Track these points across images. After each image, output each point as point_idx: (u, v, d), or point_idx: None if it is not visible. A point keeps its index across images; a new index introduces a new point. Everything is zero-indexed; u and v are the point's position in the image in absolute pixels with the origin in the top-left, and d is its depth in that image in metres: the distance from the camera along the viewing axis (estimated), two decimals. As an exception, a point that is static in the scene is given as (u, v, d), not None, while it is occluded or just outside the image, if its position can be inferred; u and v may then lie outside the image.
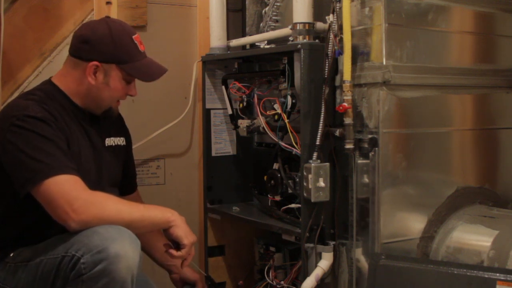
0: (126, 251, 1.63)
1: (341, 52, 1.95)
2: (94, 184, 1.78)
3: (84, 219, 1.67)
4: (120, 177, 2.12)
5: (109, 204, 1.73)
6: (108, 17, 2.03)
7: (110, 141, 2.07)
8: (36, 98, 1.85)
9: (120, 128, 2.16)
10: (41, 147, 1.73)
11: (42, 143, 1.74)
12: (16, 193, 1.75)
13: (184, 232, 1.81)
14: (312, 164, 1.96)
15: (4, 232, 1.87)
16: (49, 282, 1.71)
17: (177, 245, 1.83)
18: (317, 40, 2.07)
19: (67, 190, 1.69)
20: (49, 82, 1.96)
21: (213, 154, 2.54)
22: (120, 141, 2.12)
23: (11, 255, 1.83)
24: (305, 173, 1.97)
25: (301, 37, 2.05)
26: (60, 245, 1.70)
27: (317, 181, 1.96)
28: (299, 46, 2.00)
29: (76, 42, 1.93)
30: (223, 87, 2.47)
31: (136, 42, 1.94)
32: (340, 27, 1.95)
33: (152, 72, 1.99)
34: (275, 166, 2.27)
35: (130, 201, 1.96)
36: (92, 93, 1.92)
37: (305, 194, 1.98)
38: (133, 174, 2.26)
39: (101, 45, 1.89)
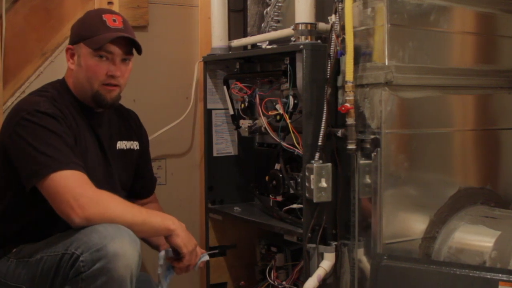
0: (125, 250, 1.63)
1: (343, 53, 1.95)
2: (101, 184, 1.78)
3: (88, 216, 1.67)
4: (131, 181, 2.13)
5: (113, 204, 1.73)
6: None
7: (121, 144, 2.07)
8: (48, 95, 1.87)
9: (135, 132, 2.16)
10: (49, 141, 1.74)
11: (50, 137, 1.75)
12: (21, 188, 1.76)
13: (183, 241, 1.82)
14: (314, 165, 1.96)
15: (8, 227, 1.88)
16: (49, 279, 1.71)
17: (178, 253, 1.84)
18: (319, 41, 2.06)
19: (73, 186, 1.70)
20: (61, 79, 1.99)
21: (215, 154, 2.54)
22: (133, 145, 2.12)
23: (14, 250, 1.83)
24: (307, 174, 1.97)
25: (303, 37, 2.05)
26: (60, 242, 1.70)
27: (319, 181, 1.96)
28: (301, 46, 2.00)
29: None
30: (225, 87, 2.46)
31: (105, 19, 1.92)
32: (342, 28, 1.95)
33: (103, 39, 1.88)
34: (277, 166, 2.26)
35: (137, 204, 1.94)
36: (75, 79, 1.94)
37: (307, 195, 1.98)
38: (149, 178, 2.25)
39: (73, 29, 1.99)
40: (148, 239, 2.11)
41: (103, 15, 1.93)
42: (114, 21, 1.93)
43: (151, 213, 1.84)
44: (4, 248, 1.85)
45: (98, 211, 1.69)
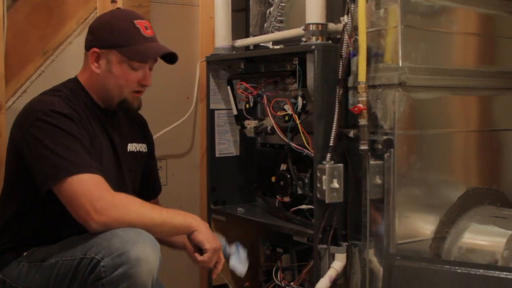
0: (147, 254, 1.60)
1: (355, 54, 1.95)
2: (113, 186, 1.74)
3: (106, 220, 1.63)
4: (139, 183, 2.10)
5: (131, 207, 1.69)
6: (118, 8, 2.00)
7: (132, 147, 2.04)
8: (62, 95, 1.82)
9: (143, 134, 2.13)
10: (65, 143, 1.69)
11: (67, 139, 1.70)
12: (33, 190, 1.72)
13: (206, 237, 1.78)
14: (327, 165, 1.95)
15: (19, 230, 1.83)
16: (64, 284, 1.67)
17: (201, 251, 1.81)
18: (329, 41, 2.06)
19: (90, 190, 1.65)
20: (74, 79, 1.94)
21: (217, 155, 2.53)
22: (142, 147, 2.09)
23: (25, 254, 1.79)
24: (318, 174, 1.97)
25: (314, 38, 2.04)
26: (78, 246, 1.66)
27: (331, 182, 1.95)
28: (313, 47, 2.00)
29: (86, 35, 1.93)
30: (229, 87, 2.45)
31: (138, 26, 1.87)
32: (355, 28, 1.95)
33: (147, 52, 1.87)
34: (283, 167, 2.25)
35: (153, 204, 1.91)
36: (100, 84, 1.89)
37: (318, 195, 1.98)
38: (156, 180, 2.22)
39: (101, 32, 1.89)
40: (170, 240, 2.08)
41: (135, 22, 1.88)
42: (147, 28, 1.89)
43: (172, 212, 1.79)
44: (15, 251, 1.80)
45: (115, 215, 1.65)
